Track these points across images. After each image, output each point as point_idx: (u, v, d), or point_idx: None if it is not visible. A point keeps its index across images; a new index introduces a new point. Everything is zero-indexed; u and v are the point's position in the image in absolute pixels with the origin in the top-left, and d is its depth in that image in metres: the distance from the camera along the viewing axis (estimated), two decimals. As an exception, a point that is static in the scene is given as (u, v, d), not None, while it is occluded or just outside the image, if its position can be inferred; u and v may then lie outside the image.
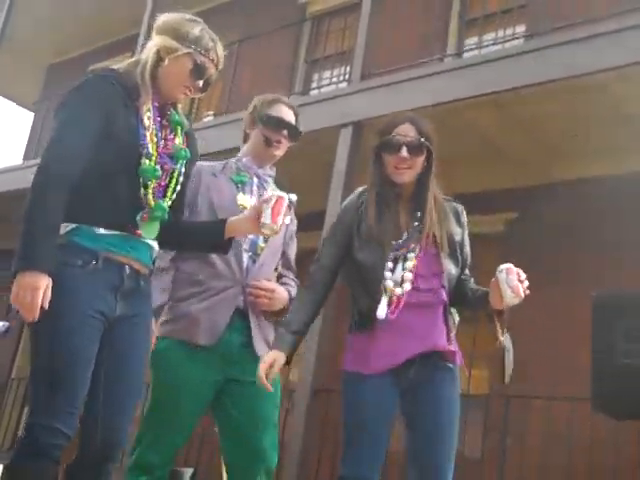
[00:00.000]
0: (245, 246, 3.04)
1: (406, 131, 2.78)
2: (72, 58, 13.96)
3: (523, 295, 2.57)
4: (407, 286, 2.65)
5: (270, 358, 2.64)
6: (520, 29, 8.14)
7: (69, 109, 2.38)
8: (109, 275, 2.35)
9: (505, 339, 2.68)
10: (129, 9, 11.08)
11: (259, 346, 2.99)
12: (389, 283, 2.65)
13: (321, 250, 2.82)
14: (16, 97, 15.72)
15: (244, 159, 3.18)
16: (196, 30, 2.50)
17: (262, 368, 2.61)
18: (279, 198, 2.49)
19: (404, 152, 2.73)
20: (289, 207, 3.03)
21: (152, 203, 2.41)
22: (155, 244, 2.50)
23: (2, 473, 2.23)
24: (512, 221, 7.56)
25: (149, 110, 2.45)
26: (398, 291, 2.64)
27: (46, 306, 2.15)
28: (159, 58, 2.47)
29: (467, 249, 2.88)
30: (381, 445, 2.64)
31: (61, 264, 2.26)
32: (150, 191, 2.41)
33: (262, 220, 2.46)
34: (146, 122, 2.44)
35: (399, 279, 2.66)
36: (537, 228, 7.40)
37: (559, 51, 6.08)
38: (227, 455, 3.03)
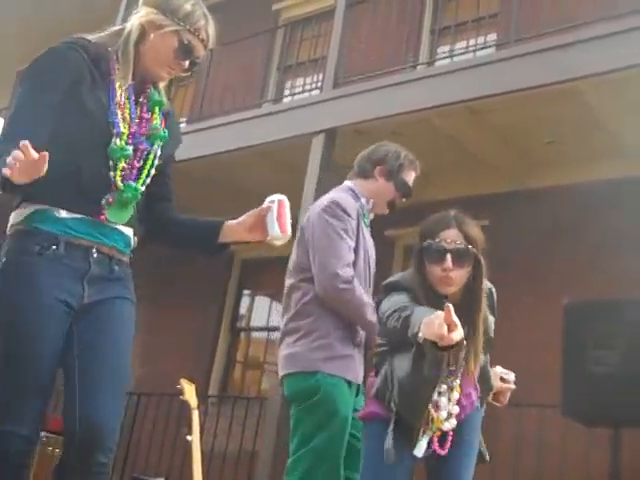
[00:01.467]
0: None
1: (452, 237, 2.54)
2: (42, 63, 13.82)
3: None
4: (453, 422, 2.57)
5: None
6: (491, 37, 8.19)
7: (27, 83, 2.17)
8: (73, 261, 2.13)
9: None
10: (98, 15, 10.96)
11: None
12: (443, 415, 2.54)
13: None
14: (-16, 103, 15.53)
15: (364, 201, 3.23)
16: (188, 5, 2.29)
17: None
18: (281, 202, 2.26)
19: (449, 261, 2.50)
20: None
21: (120, 185, 2.17)
22: (129, 231, 2.26)
23: None
24: (486, 228, 7.56)
25: (122, 86, 2.23)
26: (447, 426, 2.57)
27: None
28: (144, 32, 2.26)
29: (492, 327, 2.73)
30: None
31: (18, 252, 2.11)
32: (118, 172, 2.17)
33: (271, 234, 2.23)
34: (118, 99, 2.21)
35: (445, 412, 2.56)
36: (511, 235, 7.43)
37: (531, 59, 6.11)
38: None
